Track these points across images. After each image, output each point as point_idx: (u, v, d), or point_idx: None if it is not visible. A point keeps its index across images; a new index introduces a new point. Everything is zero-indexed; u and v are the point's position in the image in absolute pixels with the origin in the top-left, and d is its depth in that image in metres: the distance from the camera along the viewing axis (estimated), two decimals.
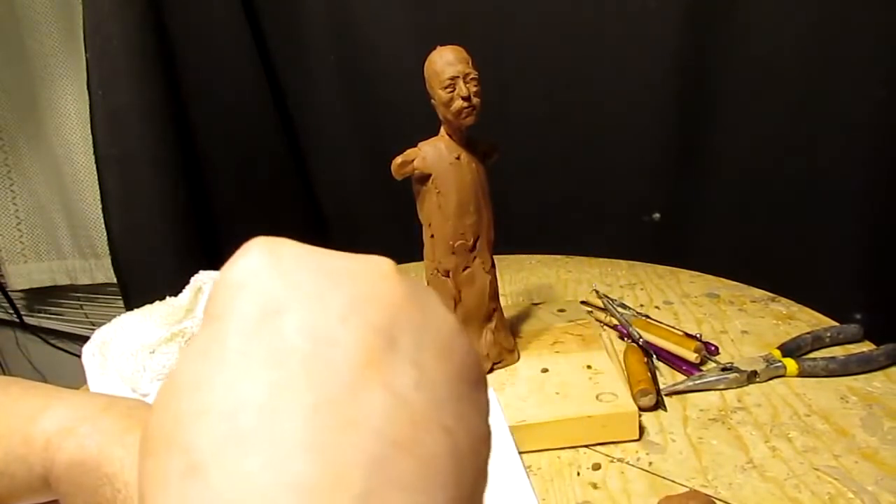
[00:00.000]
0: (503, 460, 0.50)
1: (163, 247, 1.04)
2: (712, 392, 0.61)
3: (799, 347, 0.65)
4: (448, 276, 0.60)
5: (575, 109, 1.02)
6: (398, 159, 0.58)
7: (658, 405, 0.59)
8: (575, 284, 0.88)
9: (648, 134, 1.00)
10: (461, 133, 0.59)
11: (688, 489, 0.48)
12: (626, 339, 0.71)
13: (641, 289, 0.85)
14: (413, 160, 0.58)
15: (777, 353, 0.63)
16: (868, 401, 0.57)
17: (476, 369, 0.17)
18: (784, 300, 0.78)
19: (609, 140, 1.02)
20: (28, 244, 1.47)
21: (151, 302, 0.71)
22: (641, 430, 0.55)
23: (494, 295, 0.63)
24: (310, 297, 0.15)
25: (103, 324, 0.68)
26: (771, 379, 0.62)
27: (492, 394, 0.57)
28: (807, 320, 0.73)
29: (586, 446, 0.54)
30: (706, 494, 0.46)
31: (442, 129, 0.59)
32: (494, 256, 0.62)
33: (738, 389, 0.61)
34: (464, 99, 0.55)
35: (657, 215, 1.04)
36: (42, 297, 1.55)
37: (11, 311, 1.56)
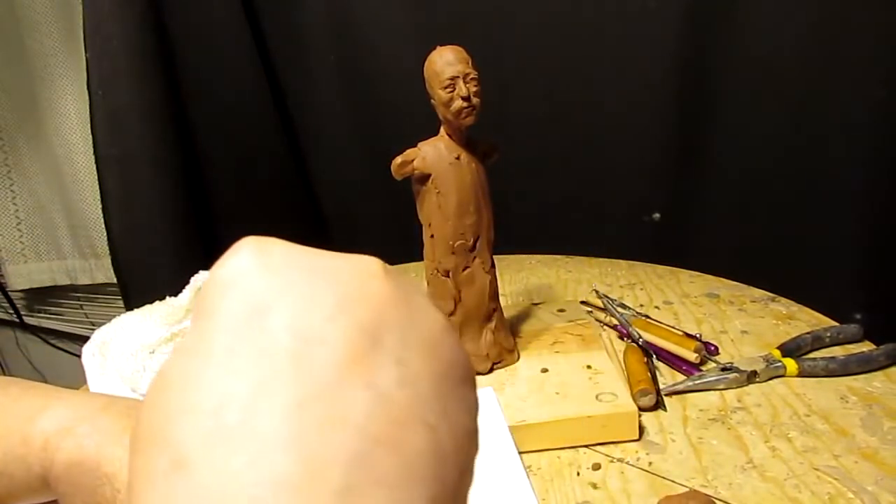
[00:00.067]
0: (503, 460, 0.50)
1: (163, 247, 1.04)
2: (712, 392, 0.61)
3: (799, 347, 0.65)
4: (448, 276, 0.60)
5: (575, 109, 1.02)
6: (398, 159, 0.58)
7: (658, 405, 0.59)
8: (575, 284, 0.88)
9: (648, 134, 1.00)
10: (461, 133, 0.59)
11: (688, 489, 0.48)
12: (626, 339, 0.71)
13: (641, 289, 0.85)
14: (413, 160, 0.58)
15: (777, 353, 0.63)
16: (868, 401, 0.57)
17: (463, 368, 0.17)
18: (784, 300, 0.78)
19: (609, 140, 1.02)
20: (28, 244, 1.47)
21: (151, 302, 0.71)
22: (641, 430, 0.55)
23: (494, 295, 0.63)
24: (297, 296, 0.15)
25: (103, 324, 0.68)
26: (771, 379, 0.62)
27: (492, 394, 0.57)
28: (807, 320, 0.73)
29: (586, 446, 0.54)
30: (706, 494, 0.46)
31: (442, 129, 0.59)
32: (494, 256, 0.62)
33: (738, 389, 0.61)
34: (464, 99, 0.55)
35: (657, 215, 1.03)
36: (42, 297, 1.55)
37: (11, 311, 1.56)
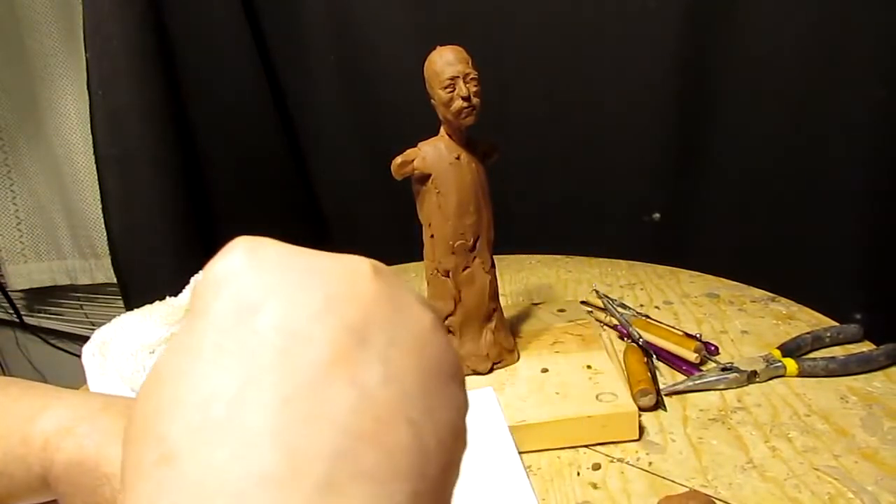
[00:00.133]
0: (503, 460, 0.50)
1: (163, 247, 1.04)
2: (712, 392, 0.61)
3: (799, 347, 0.65)
4: (448, 276, 0.60)
5: (575, 109, 1.02)
6: (398, 159, 0.58)
7: (658, 405, 0.59)
8: (575, 284, 0.88)
9: (648, 134, 1.00)
10: (461, 133, 0.59)
11: (688, 489, 0.48)
12: (626, 339, 0.71)
13: (641, 289, 0.85)
14: (413, 160, 0.58)
15: (777, 353, 0.63)
16: (868, 401, 0.57)
17: (451, 366, 0.18)
18: (784, 300, 0.78)
19: (609, 140, 1.02)
20: (28, 244, 1.47)
21: (151, 302, 0.71)
22: (641, 430, 0.55)
23: (494, 295, 0.63)
24: (286, 295, 0.16)
25: (103, 324, 0.68)
26: (771, 379, 0.62)
27: (492, 394, 0.57)
28: (807, 320, 0.73)
29: (586, 446, 0.54)
30: (706, 494, 0.46)
31: (442, 129, 0.59)
32: (494, 256, 0.62)
33: (738, 389, 0.61)
34: (464, 99, 0.55)
35: (657, 215, 1.03)
36: (42, 297, 1.55)
37: (11, 311, 1.56)
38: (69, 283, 1.48)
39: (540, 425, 0.54)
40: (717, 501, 0.47)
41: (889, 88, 0.82)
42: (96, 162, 1.02)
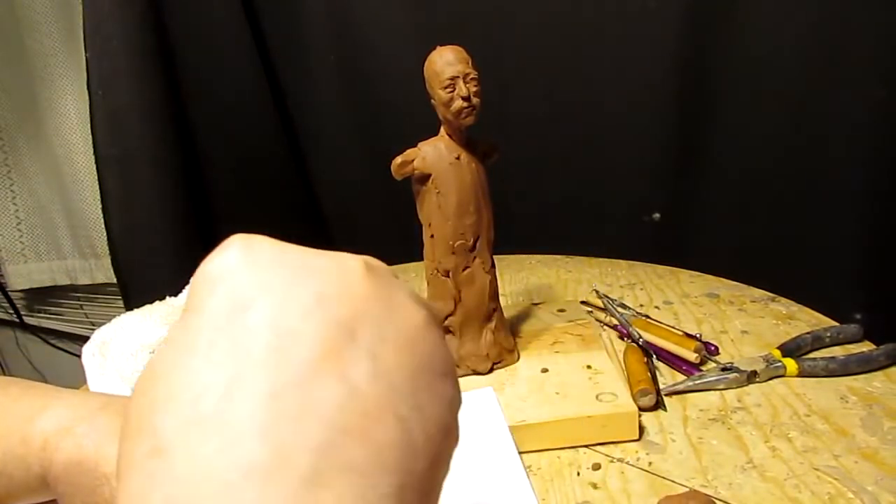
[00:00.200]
0: (503, 460, 0.50)
1: (163, 247, 1.04)
2: (712, 392, 0.61)
3: (799, 347, 0.65)
4: (448, 276, 0.60)
5: (575, 109, 1.02)
6: (398, 159, 0.58)
7: (658, 405, 0.59)
8: (575, 284, 0.88)
9: (648, 134, 1.00)
10: (461, 133, 0.59)
11: (688, 489, 0.48)
12: (626, 339, 0.71)
13: (641, 289, 0.85)
14: (413, 160, 0.58)
15: (777, 353, 0.63)
16: (868, 401, 0.57)
17: (443, 363, 0.18)
18: (784, 300, 0.78)
19: (609, 140, 1.02)
20: (28, 244, 1.47)
21: (151, 302, 0.71)
22: (641, 430, 0.55)
23: (494, 295, 0.63)
24: (278, 292, 0.16)
25: (103, 324, 0.68)
26: (771, 379, 0.62)
27: (492, 394, 0.57)
28: (807, 320, 0.73)
29: (586, 446, 0.54)
30: (706, 494, 0.46)
31: (442, 129, 0.59)
32: (494, 256, 0.62)
33: (738, 389, 0.61)
34: (464, 99, 0.55)
35: (657, 215, 1.03)
36: (42, 297, 1.55)
37: (11, 311, 1.56)
38: (69, 283, 1.48)
39: (540, 425, 0.54)
40: (717, 501, 0.47)
41: (889, 88, 0.82)
42: (96, 162, 1.02)
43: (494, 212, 0.61)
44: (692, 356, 0.64)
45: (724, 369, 0.62)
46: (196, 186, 1.07)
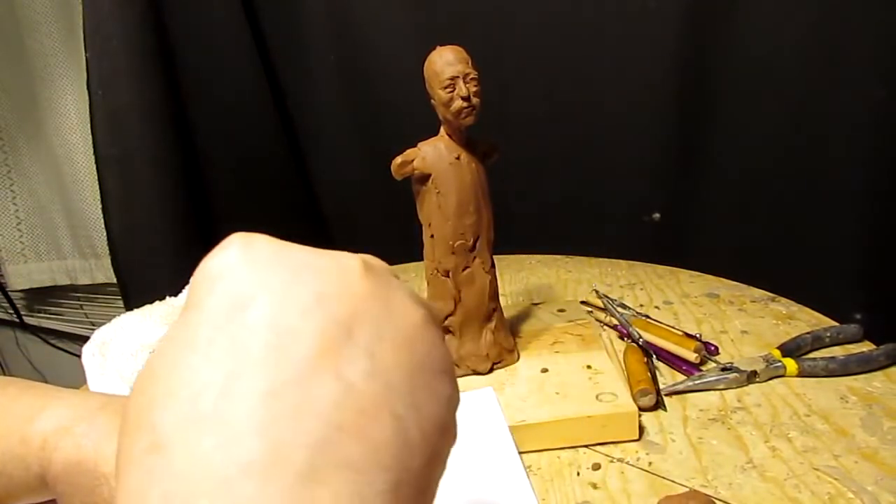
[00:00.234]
0: (503, 460, 0.50)
1: (163, 247, 1.04)
2: (712, 392, 0.61)
3: (799, 347, 0.65)
4: (448, 276, 0.60)
5: (575, 109, 1.02)
6: (398, 159, 0.58)
7: (658, 405, 0.59)
8: (575, 284, 0.88)
9: (648, 134, 1.00)
10: (461, 133, 0.58)
11: (688, 489, 0.48)
12: (626, 339, 0.71)
13: (641, 289, 0.85)
14: (413, 160, 0.58)
15: (777, 353, 0.63)
16: (868, 401, 0.57)
17: (441, 362, 0.18)
18: (784, 300, 0.78)
19: (609, 140, 1.02)
20: (28, 244, 1.47)
21: (151, 302, 0.71)
22: (641, 430, 0.55)
23: (494, 295, 0.63)
24: (277, 291, 0.16)
25: (103, 324, 0.68)
26: (771, 379, 0.62)
27: (492, 394, 0.57)
28: (807, 320, 0.73)
29: (586, 446, 0.54)
30: (706, 494, 0.46)
31: (442, 129, 0.59)
32: (494, 256, 0.62)
33: (738, 389, 0.61)
34: (463, 99, 0.55)
35: (657, 215, 1.03)
36: (42, 297, 1.55)
37: (11, 311, 1.56)
38: (69, 283, 1.48)
39: (540, 425, 0.54)
40: (717, 501, 0.47)
41: (889, 88, 0.82)
42: (96, 162, 1.02)
43: (494, 212, 0.61)
44: (692, 356, 0.64)
45: (724, 369, 0.62)
46: (196, 186, 1.07)
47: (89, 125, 1.01)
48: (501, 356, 0.63)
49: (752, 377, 0.61)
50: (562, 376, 0.60)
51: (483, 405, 0.55)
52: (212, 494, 0.13)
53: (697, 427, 0.56)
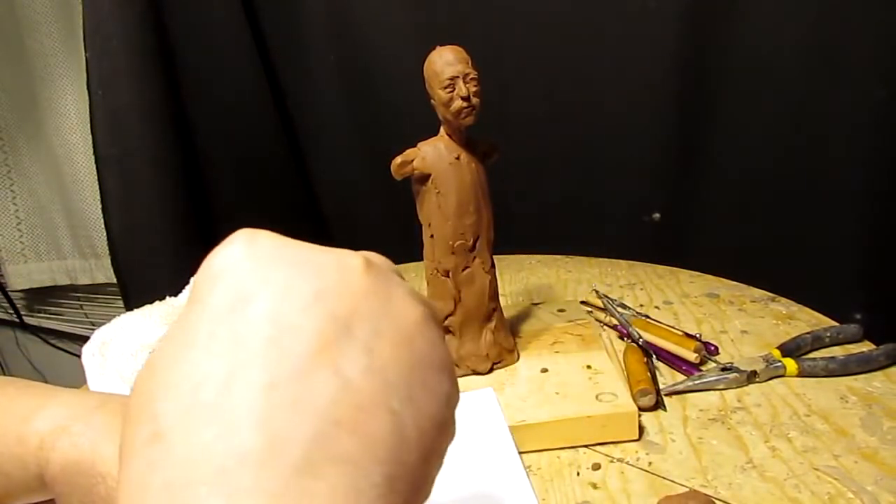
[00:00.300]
0: (503, 460, 0.50)
1: (163, 247, 1.04)
2: (712, 392, 0.61)
3: (799, 347, 0.65)
4: (448, 276, 0.60)
5: (575, 109, 1.02)
6: (398, 159, 0.58)
7: (658, 405, 0.59)
8: (575, 284, 0.88)
9: (648, 134, 1.00)
10: (461, 133, 0.58)
11: (688, 489, 0.48)
12: (625, 339, 0.71)
13: (641, 289, 0.85)
14: (413, 160, 0.58)
15: (777, 353, 0.63)
16: (868, 401, 0.57)
17: (440, 359, 0.18)
18: (784, 300, 0.78)
19: (609, 140, 1.02)
20: (28, 244, 1.47)
21: (151, 302, 0.71)
22: (641, 430, 0.55)
23: (494, 295, 0.63)
24: (278, 286, 0.16)
25: (103, 324, 0.68)
26: (771, 379, 0.62)
27: (492, 394, 0.56)
28: (807, 320, 0.73)
29: (586, 446, 0.54)
30: (706, 494, 0.46)
31: (442, 129, 0.59)
32: (494, 256, 0.62)
33: (738, 389, 0.61)
34: (463, 99, 0.55)
35: (657, 215, 1.03)
36: (42, 297, 1.55)
37: (11, 311, 1.56)
38: (69, 283, 1.48)
39: (540, 425, 0.54)
40: (717, 501, 0.47)
41: (889, 88, 0.82)
42: (96, 162, 1.02)
43: (494, 212, 0.61)
44: (692, 356, 0.64)
45: (723, 369, 0.62)
46: (196, 186, 1.07)
47: (89, 125, 1.01)
48: (501, 356, 0.63)
49: (752, 377, 0.61)
50: (562, 376, 0.60)
51: (483, 405, 0.55)
52: (211, 483, 0.13)
53: (697, 427, 0.56)
